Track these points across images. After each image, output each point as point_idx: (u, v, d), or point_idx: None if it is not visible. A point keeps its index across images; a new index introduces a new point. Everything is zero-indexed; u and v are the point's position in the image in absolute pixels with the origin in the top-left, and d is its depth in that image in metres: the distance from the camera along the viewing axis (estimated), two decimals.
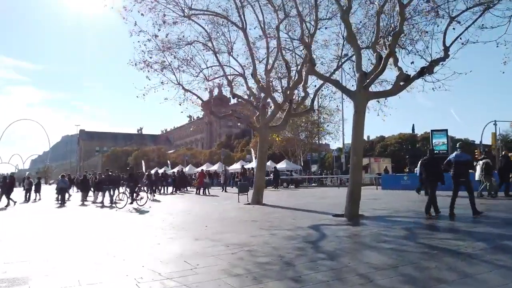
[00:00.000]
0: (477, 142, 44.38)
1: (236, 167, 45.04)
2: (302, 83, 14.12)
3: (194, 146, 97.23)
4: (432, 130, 29.17)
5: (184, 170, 39.73)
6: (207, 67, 15.82)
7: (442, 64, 10.26)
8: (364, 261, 5.09)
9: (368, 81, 10.29)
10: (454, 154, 9.40)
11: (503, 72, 13.22)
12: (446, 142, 28.16)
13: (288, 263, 5.01)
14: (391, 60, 10.89)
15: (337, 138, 45.75)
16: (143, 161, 56.21)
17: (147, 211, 13.44)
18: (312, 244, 6.38)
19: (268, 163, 47.92)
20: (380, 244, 6.23)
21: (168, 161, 59.62)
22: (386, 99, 14.63)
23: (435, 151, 33.60)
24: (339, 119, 44.84)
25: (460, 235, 7.00)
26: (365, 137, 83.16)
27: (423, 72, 10.08)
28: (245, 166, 35.67)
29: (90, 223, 10.73)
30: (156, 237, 7.53)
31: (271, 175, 32.41)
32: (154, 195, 22.37)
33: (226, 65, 15.86)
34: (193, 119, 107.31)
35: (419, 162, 11.45)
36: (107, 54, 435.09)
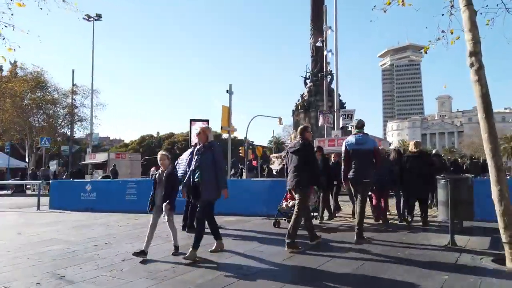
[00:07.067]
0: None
1: None
2: None
3: None
4: (191, 120, 21.82)
5: None
6: None
7: None
8: None
9: None
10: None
11: None
12: None
13: None
14: None
15: (92, 127, 33.86)
16: None
17: None
18: None
19: None
20: None
21: None
22: None
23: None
24: (96, 104, 33.63)
25: None
26: (154, 133, 74.85)
27: None
28: None
29: None
30: None
31: None
32: None
33: None
34: None
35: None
36: None
